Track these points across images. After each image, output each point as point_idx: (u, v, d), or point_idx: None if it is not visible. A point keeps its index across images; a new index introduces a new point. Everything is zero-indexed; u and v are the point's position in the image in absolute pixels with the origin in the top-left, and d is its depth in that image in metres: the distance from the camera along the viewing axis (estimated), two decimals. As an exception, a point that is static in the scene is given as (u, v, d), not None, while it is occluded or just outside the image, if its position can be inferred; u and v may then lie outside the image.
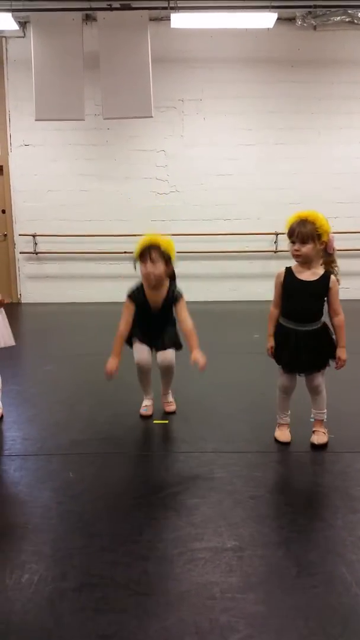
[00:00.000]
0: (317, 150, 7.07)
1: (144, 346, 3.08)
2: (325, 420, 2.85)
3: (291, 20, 6.64)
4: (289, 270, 2.74)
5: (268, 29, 6.25)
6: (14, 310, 7.08)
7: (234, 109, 6.98)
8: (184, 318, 2.96)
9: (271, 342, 2.80)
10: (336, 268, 2.71)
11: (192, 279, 7.11)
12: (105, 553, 1.95)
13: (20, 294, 7.45)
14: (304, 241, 2.59)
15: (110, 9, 5.75)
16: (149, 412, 3.23)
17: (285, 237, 2.70)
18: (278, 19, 6.02)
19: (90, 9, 5.85)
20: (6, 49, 6.87)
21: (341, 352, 2.70)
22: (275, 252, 7.07)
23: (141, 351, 3.07)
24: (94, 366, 4.32)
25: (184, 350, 3.01)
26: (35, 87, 5.78)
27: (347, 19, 6.51)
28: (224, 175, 7.10)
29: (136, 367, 3.11)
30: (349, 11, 6.37)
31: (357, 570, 1.85)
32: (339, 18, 6.47)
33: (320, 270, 2.69)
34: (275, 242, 7.04)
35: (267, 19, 5.84)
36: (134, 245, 2.95)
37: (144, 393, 3.29)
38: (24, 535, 2.06)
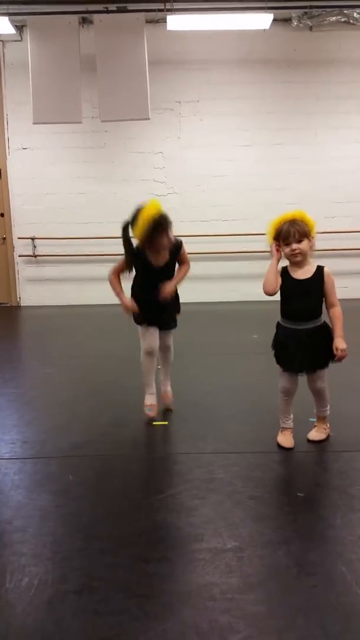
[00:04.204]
0: (314, 151, 7.07)
1: (154, 329, 3.10)
2: (327, 415, 2.87)
3: (287, 21, 6.65)
4: (284, 269, 2.74)
5: (264, 30, 6.25)
6: (13, 313, 7.09)
7: (230, 110, 6.98)
8: (187, 259, 3.23)
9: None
10: None
11: (192, 280, 7.09)
12: (105, 555, 1.96)
13: (19, 297, 7.45)
14: (300, 239, 2.63)
15: (107, 11, 5.77)
16: (154, 413, 3.16)
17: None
18: (274, 20, 6.04)
19: (87, 11, 5.87)
20: (3, 52, 6.89)
21: (339, 342, 2.66)
22: (273, 252, 7.07)
23: (151, 336, 3.09)
24: (93, 368, 4.36)
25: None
26: (33, 90, 5.79)
27: (342, 19, 6.50)
28: (221, 176, 7.10)
29: (144, 354, 3.10)
30: (345, 11, 6.36)
31: (357, 569, 1.85)
32: (334, 18, 6.47)
33: (312, 267, 2.71)
34: (273, 242, 7.04)
35: (263, 20, 5.85)
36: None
37: (147, 386, 3.18)
38: (24, 539, 2.07)
